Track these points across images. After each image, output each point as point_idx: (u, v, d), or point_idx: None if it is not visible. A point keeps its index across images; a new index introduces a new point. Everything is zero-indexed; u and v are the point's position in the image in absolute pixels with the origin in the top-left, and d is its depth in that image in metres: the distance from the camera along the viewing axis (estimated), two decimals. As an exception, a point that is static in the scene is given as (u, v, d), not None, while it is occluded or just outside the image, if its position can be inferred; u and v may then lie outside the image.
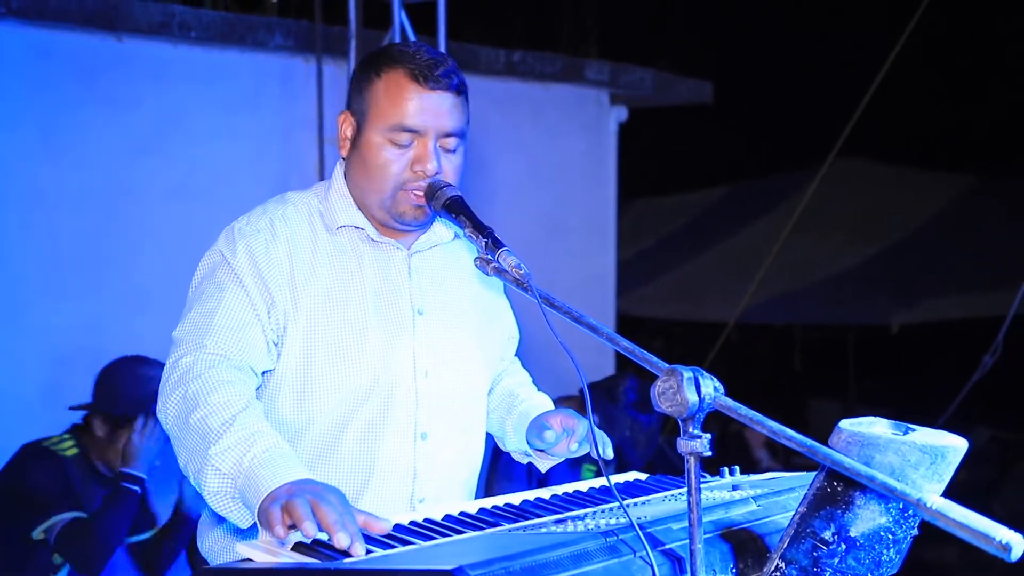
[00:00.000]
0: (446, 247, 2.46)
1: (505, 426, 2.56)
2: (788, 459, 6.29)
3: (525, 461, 2.60)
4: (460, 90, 2.30)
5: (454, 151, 2.31)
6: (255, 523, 1.93)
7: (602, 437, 2.34)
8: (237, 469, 1.94)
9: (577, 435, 2.36)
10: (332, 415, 2.26)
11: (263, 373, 2.25)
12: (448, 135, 2.28)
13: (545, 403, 2.57)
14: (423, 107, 2.25)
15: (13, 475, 3.77)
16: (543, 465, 2.54)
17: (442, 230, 2.43)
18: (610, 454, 2.33)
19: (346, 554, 1.75)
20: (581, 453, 2.41)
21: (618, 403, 4.25)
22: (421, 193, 2.27)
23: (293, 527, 1.78)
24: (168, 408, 2.09)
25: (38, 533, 3.68)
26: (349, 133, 2.33)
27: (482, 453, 2.50)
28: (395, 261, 2.37)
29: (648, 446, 4.37)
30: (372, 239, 2.35)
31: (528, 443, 2.48)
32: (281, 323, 2.24)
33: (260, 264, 2.24)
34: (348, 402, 2.27)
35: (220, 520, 2.24)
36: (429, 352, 2.35)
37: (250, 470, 1.92)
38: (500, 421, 2.58)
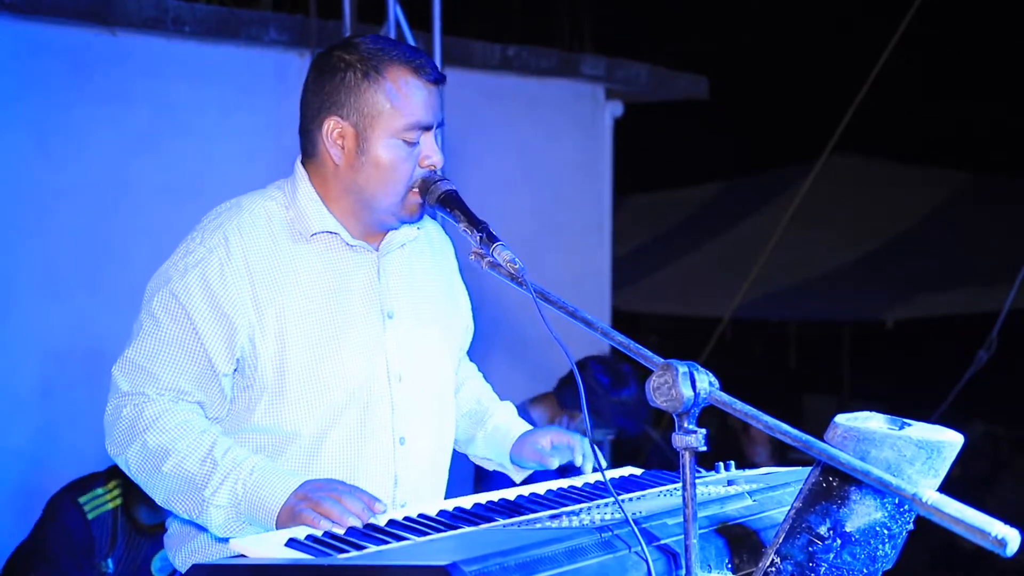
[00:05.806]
0: (410, 245, 2.42)
1: (475, 437, 2.58)
2: (783, 454, 6.28)
3: (491, 467, 2.63)
4: None
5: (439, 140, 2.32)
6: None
7: (587, 450, 2.41)
8: (234, 499, 2.10)
9: (578, 449, 2.40)
10: (312, 428, 2.24)
11: (231, 399, 2.26)
12: (439, 125, 2.30)
13: (513, 414, 2.60)
14: (430, 101, 2.25)
15: (41, 535, 3.81)
16: (517, 476, 2.57)
17: (407, 228, 2.38)
18: (603, 463, 2.37)
19: (338, 550, 1.75)
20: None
21: (596, 391, 4.18)
22: (417, 188, 2.26)
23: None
24: (128, 457, 2.18)
25: None
26: (348, 143, 2.25)
27: (452, 449, 2.51)
28: (365, 264, 2.33)
29: (639, 416, 4.31)
30: (347, 243, 2.30)
31: (511, 459, 2.51)
32: (246, 346, 2.20)
33: (215, 289, 2.20)
34: (327, 414, 2.25)
35: (201, 528, 2.23)
36: (402, 356, 2.32)
37: (247, 495, 2.08)
38: (469, 430, 2.59)
